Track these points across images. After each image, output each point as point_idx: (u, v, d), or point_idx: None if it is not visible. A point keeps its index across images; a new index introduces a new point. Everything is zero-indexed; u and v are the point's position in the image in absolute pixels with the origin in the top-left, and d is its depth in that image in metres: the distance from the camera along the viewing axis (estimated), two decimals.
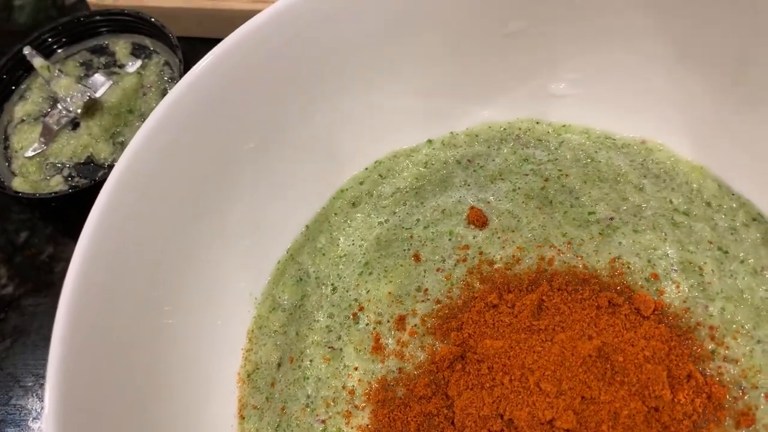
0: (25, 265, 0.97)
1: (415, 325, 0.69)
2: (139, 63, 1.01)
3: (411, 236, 0.76)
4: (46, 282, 0.95)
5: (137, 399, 0.63)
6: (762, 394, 0.62)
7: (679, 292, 0.68)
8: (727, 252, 0.70)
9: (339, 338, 0.71)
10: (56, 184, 0.92)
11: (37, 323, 0.93)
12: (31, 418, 0.86)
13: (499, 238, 0.73)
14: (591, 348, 0.62)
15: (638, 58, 0.76)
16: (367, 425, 0.65)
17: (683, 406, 0.60)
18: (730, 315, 0.66)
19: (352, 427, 0.66)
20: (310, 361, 0.70)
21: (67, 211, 0.95)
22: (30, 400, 0.87)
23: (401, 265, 0.74)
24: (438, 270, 0.73)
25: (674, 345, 0.64)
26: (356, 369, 0.69)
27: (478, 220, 0.74)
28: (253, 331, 0.75)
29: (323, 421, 0.67)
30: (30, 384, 0.88)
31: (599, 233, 0.72)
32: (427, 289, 0.72)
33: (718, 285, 0.68)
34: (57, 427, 0.54)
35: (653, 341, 0.63)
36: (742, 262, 0.69)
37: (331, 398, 0.68)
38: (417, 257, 0.74)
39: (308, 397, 0.69)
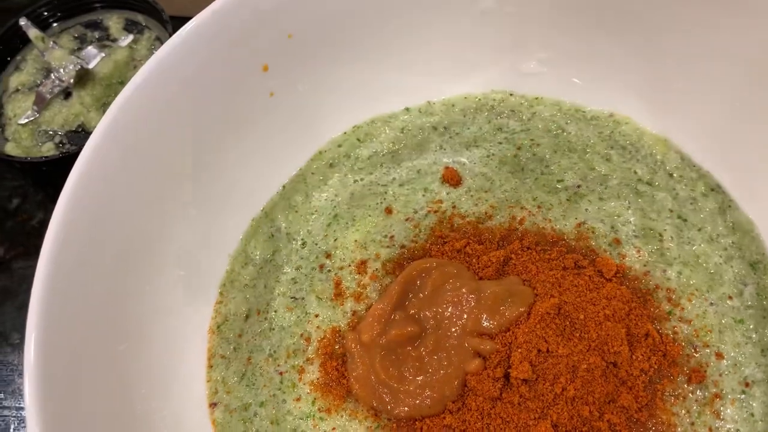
0: (17, 229, 1.00)
1: (376, 269, 0.73)
2: (131, 38, 1.04)
3: (386, 192, 0.80)
4: (36, 246, 0.96)
5: (114, 351, 0.66)
6: (713, 353, 0.65)
7: (639, 257, 0.71)
8: (686, 220, 0.73)
9: (302, 288, 0.74)
10: (48, 150, 0.95)
11: (25, 285, 0.95)
12: (17, 374, 0.88)
13: (472, 196, 0.77)
14: (549, 306, 0.65)
15: (607, 37, 0.79)
16: (317, 379, 0.69)
17: (640, 362, 0.63)
18: (687, 279, 0.69)
19: (304, 383, 0.69)
20: (275, 311, 0.74)
21: (57, 179, 0.97)
22: (16, 356, 0.90)
23: (370, 216, 0.78)
24: (407, 219, 0.77)
25: (634, 306, 0.67)
26: (317, 316, 0.72)
27: (452, 178, 0.78)
28: (225, 285, 0.78)
29: (281, 373, 0.70)
30: (17, 341, 0.91)
31: (567, 199, 0.75)
32: (393, 236, 0.75)
33: (677, 251, 0.71)
34: (37, 383, 0.56)
35: (614, 301, 0.66)
36: (699, 229, 0.72)
37: (292, 349, 0.71)
38: (389, 210, 0.78)
39: (272, 346, 0.72)
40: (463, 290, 0.67)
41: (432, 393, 0.64)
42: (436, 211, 0.77)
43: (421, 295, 0.69)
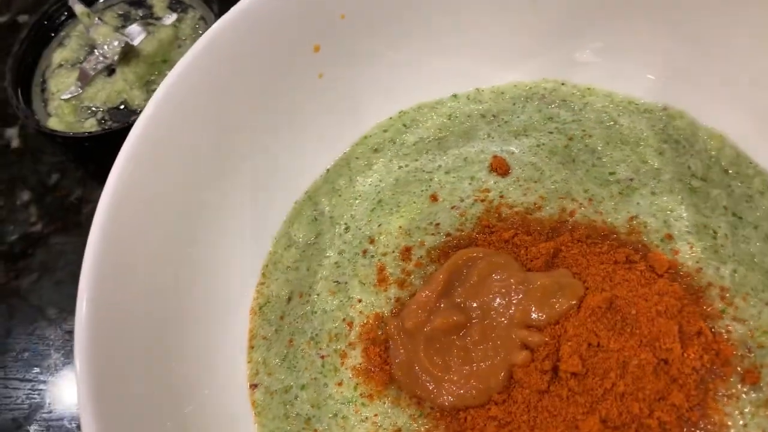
0: (55, 205, 1.00)
1: (421, 257, 0.72)
2: (175, 16, 1.04)
3: (431, 179, 0.78)
4: (74, 222, 0.98)
5: (159, 328, 0.66)
6: None
7: (692, 253, 0.69)
8: (741, 218, 0.71)
9: (345, 273, 0.74)
10: (90, 126, 0.95)
11: (63, 260, 0.95)
12: (53, 349, 0.89)
13: (521, 185, 0.76)
14: (601, 299, 0.63)
15: (663, 29, 0.77)
16: (360, 364, 0.68)
17: (692, 360, 0.62)
18: (741, 278, 0.67)
19: (346, 368, 0.68)
20: (318, 295, 0.73)
21: (97, 155, 0.97)
22: (53, 331, 0.90)
23: (415, 202, 0.77)
24: (453, 208, 0.75)
25: (686, 303, 0.65)
26: (359, 301, 0.71)
27: (500, 167, 0.77)
28: (267, 266, 0.77)
29: (323, 357, 0.69)
30: (53, 316, 0.91)
31: (619, 192, 0.73)
32: (438, 224, 0.74)
33: (731, 248, 0.69)
34: (87, 356, 0.56)
35: (666, 297, 0.64)
36: (755, 228, 0.70)
37: (334, 333, 0.70)
38: (434, 197, 0.77)
39: (314, 329, 0.71)
40: (511, 281, 0.66)
41: (477, 383, 0.63)
42: (483, 200, 0.75)
43: (467, 284, 0.68)
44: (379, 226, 0.76)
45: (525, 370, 0.62)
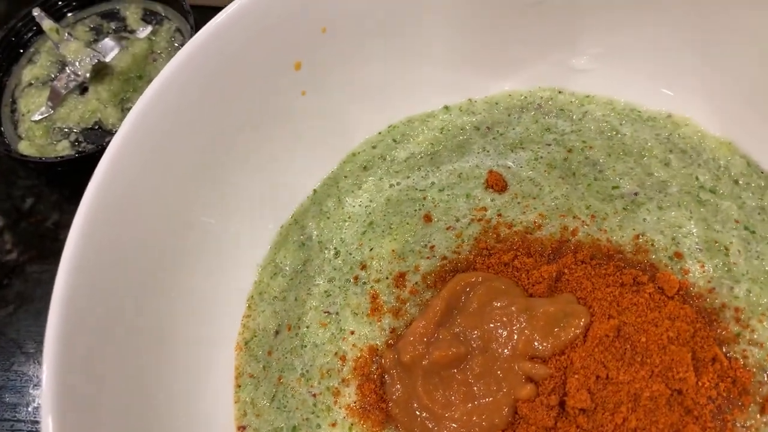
0: (30, 231, 0.96)
1: (416, 283, 0.68)
2: (149, 29, 0.99)
3: (424, 198, 0.74)
4: (51, 249, 0.94)
5: (136, 368, 0.62)
6: None
7: (703, 272, 0.65)
8: (754, 232, 0.67)
9: (336, 303, 0.69)
10: (63, 149, 0.90)
11: (40, 290, 0.91)
12: (31, 385, 0.84)
13: (519, 203, 0.71)
14: (608, 327, 0.60)
15: (665, 31, 0.73)
16: (354, 403, 0.64)
17: (707, 390, 0.58)
18: (756, 297, 0.64)
19: (340, 407, 0.64)
20: (307, 327, 0.69)
21: (73, 178, 0.93)
22: (31, 366, 0.85)
23: (408, 224, 0.72)
24: (449, 228, 0.71)
25: (699, 327, 0.61)
26: (352, 333, 0.67)
27: (497, 183, 0.72)
28: (252, 297, 0.73)
29: (314, 395, 0.65)
30: (32, 351, 0.87)
31: (623, 208, 0.69)
32: (433, 246, 0.70)
33: (744, 266, 0.65)
34: (55, 393, 0.52)
35: (678, 322, 0.61)
36: None
37: (326, 369, 0.66)
38: (428, 218, 0.72)
39: (304, 365, 0.67)
40: (513, 308, 0.62)
41: (480, 420, 0.59)
42: (480, 220, 0.71)
43: (466, 312, 0.64)
44: (371, 250, 0.71)
45: (530, 405, 0.59)
